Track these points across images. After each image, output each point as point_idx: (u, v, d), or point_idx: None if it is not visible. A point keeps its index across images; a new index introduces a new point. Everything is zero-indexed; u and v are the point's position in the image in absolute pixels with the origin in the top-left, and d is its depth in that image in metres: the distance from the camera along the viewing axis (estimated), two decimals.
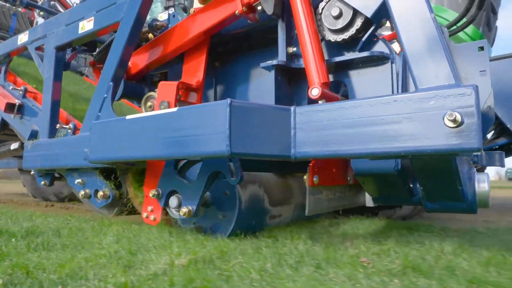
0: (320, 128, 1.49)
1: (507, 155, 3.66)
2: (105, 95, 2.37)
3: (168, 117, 1.64)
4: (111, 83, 2.37)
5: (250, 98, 2.49)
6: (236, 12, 2.08)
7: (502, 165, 2.79)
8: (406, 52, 1.40)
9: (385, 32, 2.80)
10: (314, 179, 1.77)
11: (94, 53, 3.10)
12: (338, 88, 2.45)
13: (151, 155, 1.72)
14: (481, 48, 1.69)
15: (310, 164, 1.77)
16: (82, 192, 2.54)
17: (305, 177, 1.75)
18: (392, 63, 1.88)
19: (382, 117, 1.36)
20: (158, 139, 1.66)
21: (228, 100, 1.45)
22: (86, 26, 2.69)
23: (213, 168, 1.91)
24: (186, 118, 1.58)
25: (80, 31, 2.74)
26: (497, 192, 10.59)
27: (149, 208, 2.30)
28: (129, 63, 2.59)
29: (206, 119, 1.51)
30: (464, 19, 2.86)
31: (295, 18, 1.94)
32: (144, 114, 1.74)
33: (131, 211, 2.67)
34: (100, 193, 2.44)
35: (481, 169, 3.22)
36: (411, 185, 2.05)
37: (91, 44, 3.21)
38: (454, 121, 1.21)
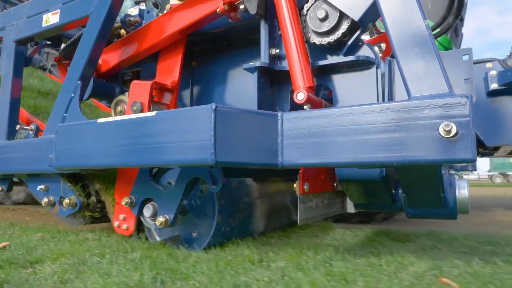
0: (309, 135, 1.42)
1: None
2: (72, 95, 2.20)
3: (145, 121, 1.52)
4: (79, 82, 2.20)
5: (230, 100, 2.39)
6: (217, 10, 1.98)
7: (474, 169, 2.85)
8: (399, 60, 1.35)
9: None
10: (305, 186, 1.70)
11: (60, 48, 2.90)
12: (317, 92, 2.41)
13: (126, 162, 1.59)
14: (466, 56, 1.68)
15: (300, 171, 1.70)
16: (46, 200, 2.35)
17: (295, 185, 1.68)
18: (377, 68, 1.84)
19: (375, 125, 1.31)
20: (134, 145, 1.53)
21: (213, 105, 1.35)
22: (51, 19, 2.49)
23: (192, 174, 1.81)
24: (165, 123, 1.47)
25: (44, 24, 2.54)
26: None
27: (121, 216, 2.16)
28: (99, 60, 2.42)
29: (188, 124, 1.41)
30: (438, 29, 2.89)
31: (279, 19, 1.86)
32: (118, 117, 1.61)
33: (99, 219, 2.51)
34: (66, 200, 2.27)
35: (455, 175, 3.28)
36: (393, 192, 2.03)
37: (56, 39, 3.00)
38: (449, 131, 1.17)
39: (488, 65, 2.42)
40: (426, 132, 1.22)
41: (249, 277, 1.41)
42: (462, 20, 5.19)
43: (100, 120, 1.66)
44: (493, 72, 2.37)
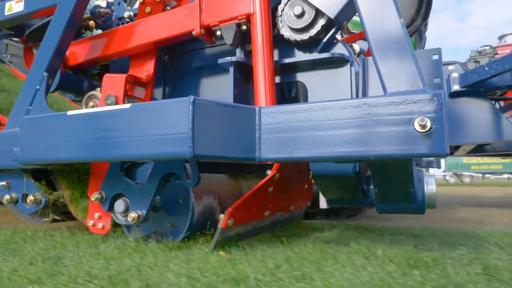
0: (286, 130, 1.43)
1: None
2: (38, 87, 2.10)
3: (119, 114, 1.47)
4: (45, 73, 2.10)
5: (203, 96, 2.36)
6: (193, 32, 1.97)
7: (439, 167, 2.98)
8: (375, 56, 1.38)
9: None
10: (229, 222, 1.70)
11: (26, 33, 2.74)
12: (290, 89, 2.43)
13: (98, 156, 1.53)
14: (436, 56, 1.75)
15: (229, 210, 1.70)
16: (7, 197, 2.23)
17: (221, 215, 1.70)
18: (351, 65, 1.88)
19: (352, 120, 1.34)
20: (107, 139, 1.48)
21: (191, 97, 1.32)
22: (15, 7, 2.37)
23: (166, 169, 1.77)
24: (141, 116, 1.43)
25: (7, 12, 2.40)
26: None
27: (96, 215, 2.08)
28: (67, 52, 2.33)
29: (165, 117, 1.37)
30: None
31: (252, 36, 1.87)
32: (90, 110, 1.54)
33: (65, 217, 2.41)
34: (30, 197, 2.15)
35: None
36: (365, 187, 2.08)
37: (19, 28, 2.85)
38: (424, 126, 1.21)
39: (450, 67, 2.51)
40: (402, 126, 1.25)
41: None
42: (426, 24, 5.41)
43: (70, 112, 1.59)
44: (455, 74, 2.47)
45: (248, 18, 1.89)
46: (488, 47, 6.94)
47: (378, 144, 1.29)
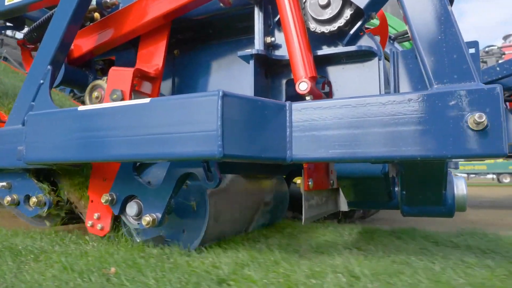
0: (320, 128, 1.31)
1: None
2: (42, 81, 1.96)
3: (138, 109, 1.34)
4: (49, 67, 1.96)
5: None
6: None
7: (457, 167, 2.88)
8: (420, 48, 1.26)
9: None
10: (309, 183, 1.58)
11: (23, 31, 2.61)
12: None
13: (112, 156, 1.39)
14: (473, 49, 1.63)
15: (305, 167, 1.58)
16: (8, 198, 2.09)
17: (298, 180, 1.56)
18: (379, 59, 1.76)
19: (394, 117, 1.22)
20: (123, 136, 1.35)
21: (220, 91, 1.20)
22: None
23: (184, 169, 1.64)
24: (162, 112, 1.30)
25: (7, 2, 2.26)
26: None
27: (96, 215, 1.95)
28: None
29: (190, 113, 1.25)
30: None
31: (278, 5, 1.74)
32: (104, 105, 1.41)
33: (71, 219, 2.28)
34: (33, 199, 2.02)
35: None
36: (390, 189, 1.97)
37: (18, 20, 2.70)
38: (480, 123, 1.10)
39: None
40: (453, 124, 1.14)
41: None
42: None
43: (81, 108, 1.46)
44: None
45: None
46: (495, 47, 6.87)
47: (425, 143, 1.17)
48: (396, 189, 2.01)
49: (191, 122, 1.25)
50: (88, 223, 1.98)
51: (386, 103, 1.23)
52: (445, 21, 1.24)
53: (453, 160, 2.31)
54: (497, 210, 4.94)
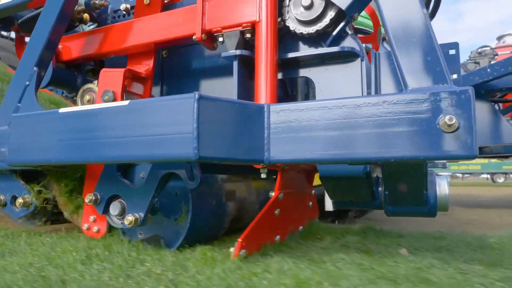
0: (298, 129, 1.32)
1: None
2: (27, 83, 1.97)
3: (116, 112, 1.35)
4: (35, 68, 1.97)
5: (205, 93, 2.24)
6: (194, 37, 1.85)
7: (444, 166, 2.90)
8: (395, 50, 1.28)
9: None
10: (241, 253, 1.59)
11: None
12: (292, 86, 2.32)
13: (92, 158, 1.41)
14: (453, 50, 1.65)
15: (239, 240, 1.59)
16: None
17: (231, 249, 1.58)
18: (362, 60, 1.78)
19: (371, 119, 1.23)
20: (103, 138, 1.36)
21: (196, 94, 1.21)
22: None
23: (166, 169, 1.65)
24: (140, 114, 1.31)
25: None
26: None
27: (91, 218, 1.96)
28: (60, 46, 2.20)
29: (167, 115, 1.26)
30: None
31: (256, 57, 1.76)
32: (85, 107, 1.42)
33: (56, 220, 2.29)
34: (19, 200, 2.03)
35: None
36: (373, 189, 1.98)
37: (6, 20, 2.70)
38: (451, 125, 1.11)
39: None
40: (427, 126, 1.15)
41: None
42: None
43: (62, 110, 1.47)
44: (455, 76, 2.38)
45: (253, 27, 1.77)
46: (488, 48, 6.87)
47: (400, 145, 1.18)
48: (380, 189, 2.02)
49: (169, 124, 1.26)
50: (84, 226, 2.00)
51: (362, 105, 1.24)
52: (420, 24, 1.26)
53: (433, 161, 2.32)
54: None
